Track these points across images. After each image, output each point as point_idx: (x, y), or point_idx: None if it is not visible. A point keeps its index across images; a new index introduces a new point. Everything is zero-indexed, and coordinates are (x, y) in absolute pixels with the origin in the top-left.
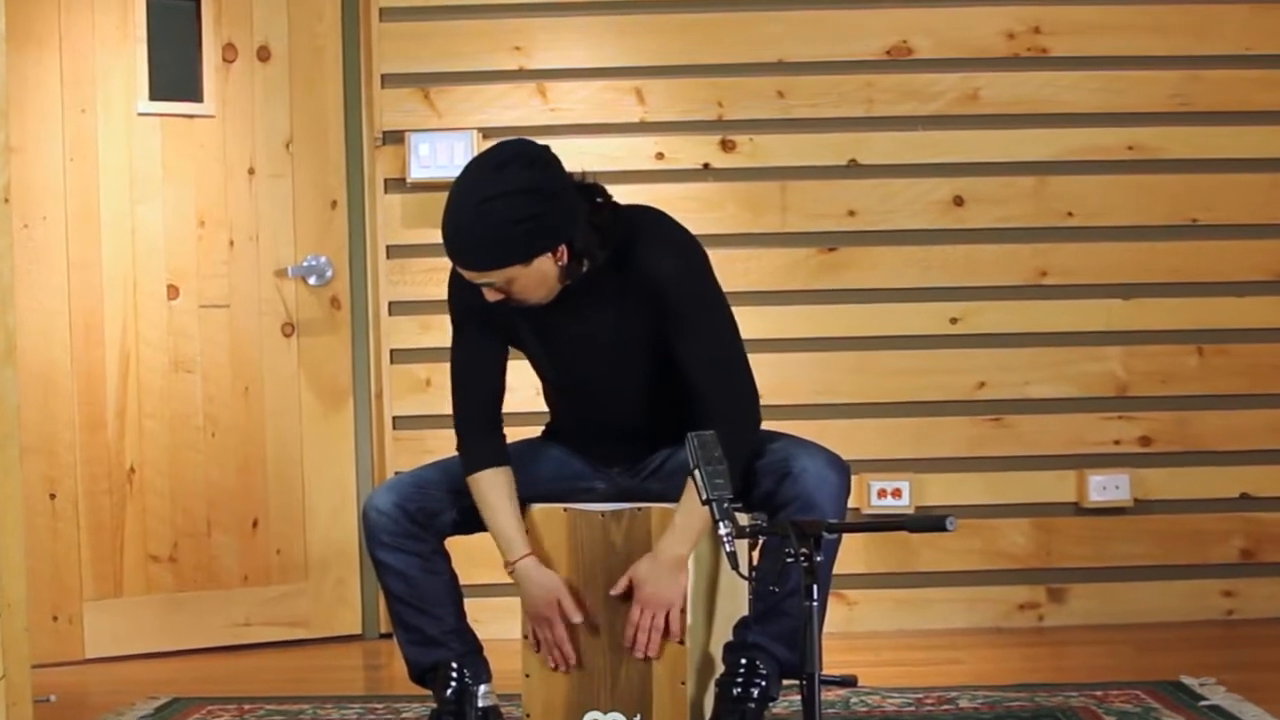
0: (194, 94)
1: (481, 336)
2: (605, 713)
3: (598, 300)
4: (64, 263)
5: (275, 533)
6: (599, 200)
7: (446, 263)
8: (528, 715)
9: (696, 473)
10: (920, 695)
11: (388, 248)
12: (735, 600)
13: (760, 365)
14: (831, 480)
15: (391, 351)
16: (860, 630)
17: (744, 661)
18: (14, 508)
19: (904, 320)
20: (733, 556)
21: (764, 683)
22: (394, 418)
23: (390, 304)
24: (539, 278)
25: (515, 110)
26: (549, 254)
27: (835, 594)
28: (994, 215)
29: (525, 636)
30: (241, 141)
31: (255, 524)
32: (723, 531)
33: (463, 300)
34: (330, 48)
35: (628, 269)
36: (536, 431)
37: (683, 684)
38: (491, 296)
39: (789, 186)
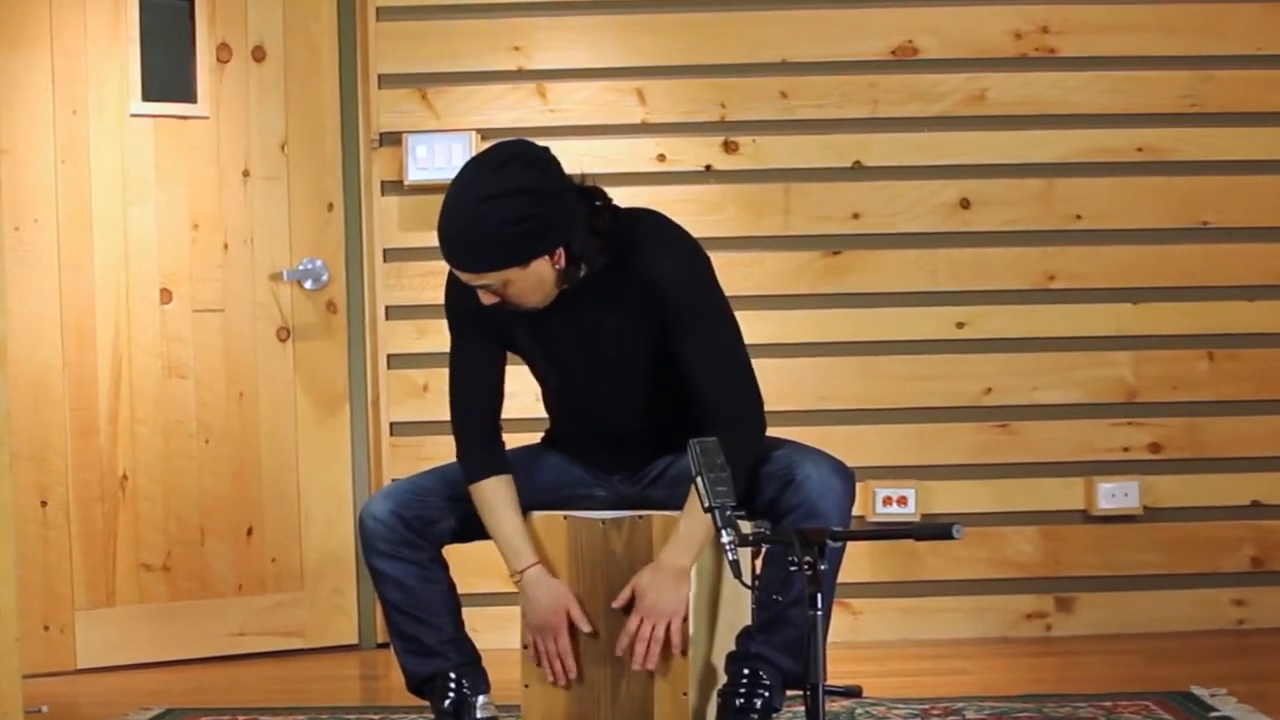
0: (188, 95)
1: (480, 343)
2: None
3: (598, 304)
4: (55, 266)
5: (270, 541)
6: (598, 203)
7: (444, 266)
8: None
9: (699, 480)
10: (926, 706)
11: (385, 251)
12: (738, 609)
13: (763, 370)
14: (836, 487)
15: (388, 356)
16: (865, 640)
17: (747, 672)
18: (4, 515)
19: (909, 325)
20: (735, 565)
21: (767, 693)
22: (391, 424)
23: (387, 308)
24: (535, 281)
25: (514, 111)
26: (546, 257)
27: (839, 603)
28: (1001, 218)
29: (525, 646)
30: (236, 143)
31: (250, 532)
32: (725, 539)
33: (460, 305)
34: (326, 48)
35: (628, 273)
36: (536, 438)
37: (685, 695)
38: (487, 300)
39: (792, 189)
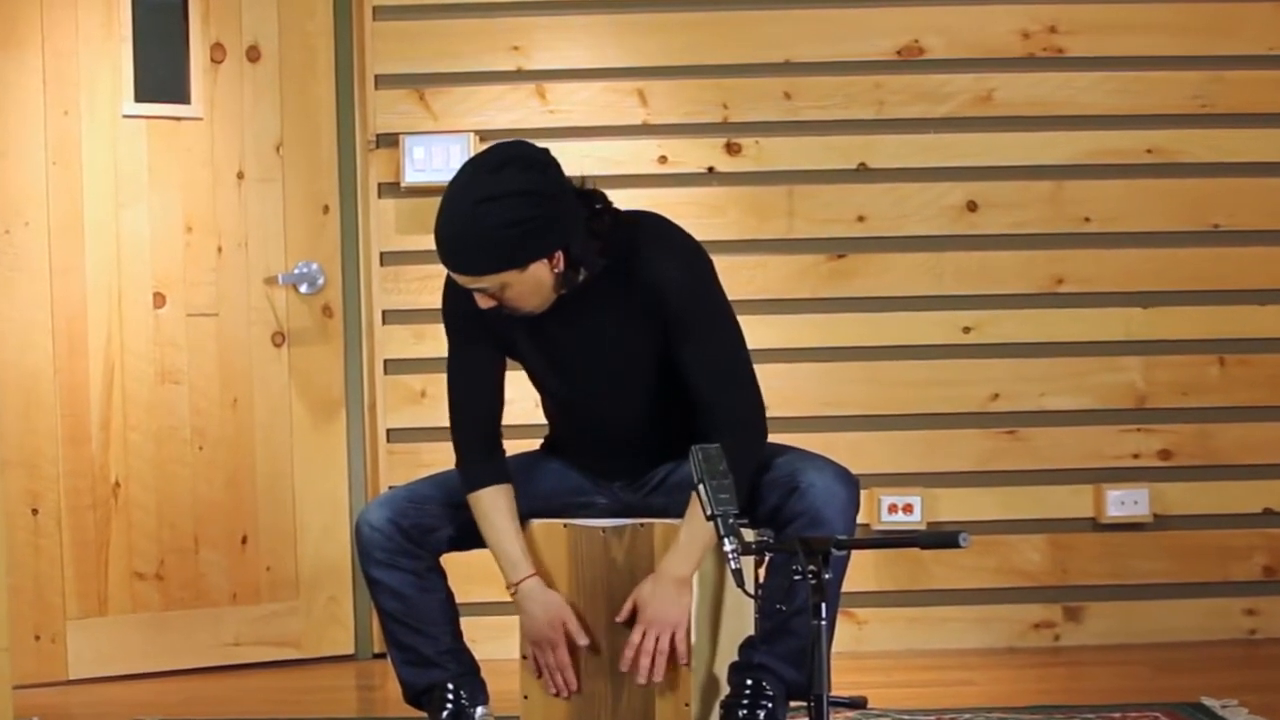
0: (181, 95)
1: (478, 349)
2: None
3: (599, 309)
4: (46, 270)
5: (265, 549)
6: (598, 206)
7: (442, 270)
8: None
9: (701, 487)
10: (931, 718)
11: (381, 254)
12: (741, 619)
13: (766, 376)
14: (840, 495)
15: (385, 362)
16: (870, 650)
17: (750, 682)
18: None
19: (915, 329)
20: (738, 574)
21: (770, 704)
22: (388, 430)
23: (384, 313)
24: (534, 285)
25: (513, 112)
26: (545, 260)
27: (844, 612)
28: (1009, 221)
29: (524, 657)
30: (230, 144)
31: (244, 540)
32: (728, 548)
33: (458, 310)
34: (322, 48)
35: (629, 277)
36: (535, 445)
37: (686, 706)
38: (484, 303)
39: (796, 191)
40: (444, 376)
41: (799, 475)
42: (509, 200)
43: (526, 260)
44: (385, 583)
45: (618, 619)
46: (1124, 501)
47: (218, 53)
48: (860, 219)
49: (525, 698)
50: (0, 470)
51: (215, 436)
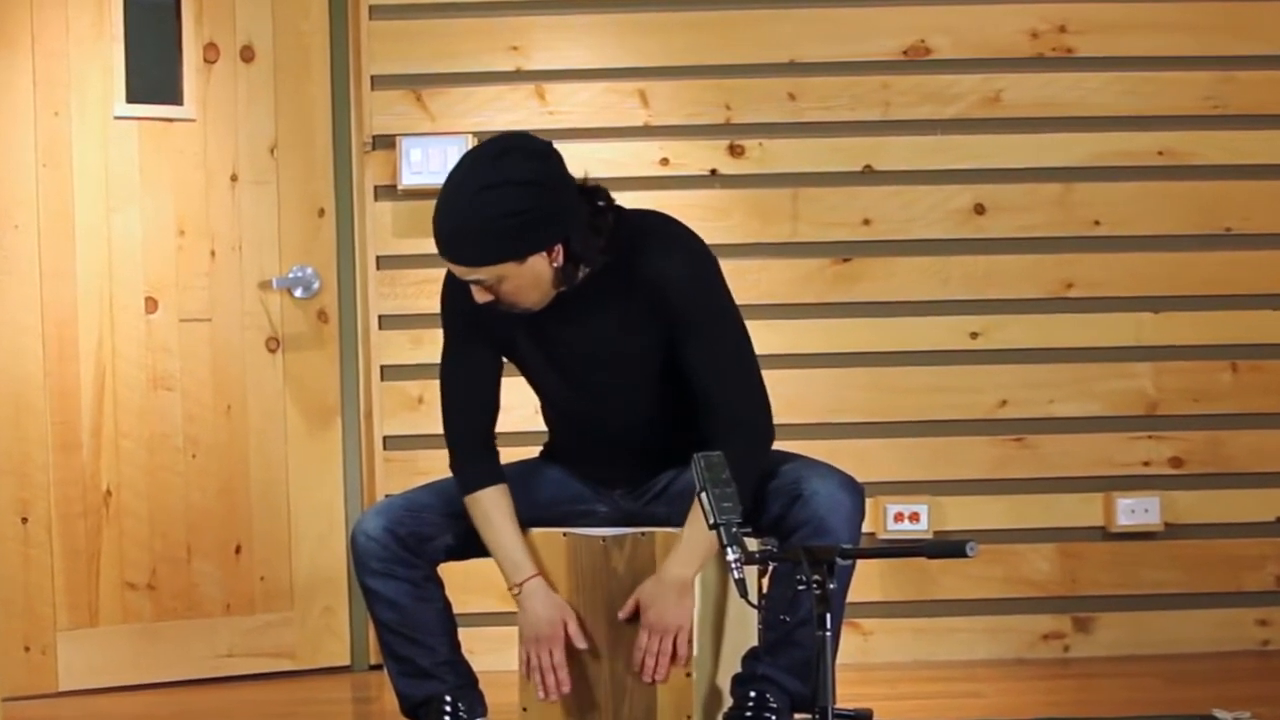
0: (173, 96)
1: (476, 348)
2: None
3: (602, 307)
4: (36, 274)
5: (259, 559)
6: (601, 204)
7: (440, 274)
8: None
9: (703, 495)
10: None
11: (378, 258)
12: (744, 630)
13: (771, 382)
14: (845, 503)
15: (382, 368)
16: (876, 661)
17: (753, 694)
18: None
19: (922, 335)
20: (741, 584)
21: (774, 717)
22: (384, 437)
23: (380, 318)
24: (532, 279)
25: (512, 113)
26: (544, 253)
27: (849, 623)
28: (1017, 224)
29: (524, 709)
30: (223, 146)
31: (238, 550)
32: (731, 557)
33: (457, 307)
34: (317, 47)
35: (634, 274)
36: (534, 452)
37: (689, 718)
38: (480, 298)
39: (801, 194)
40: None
41: (803, 483)
42: (508, 189)
43: (525, 252)
44: (381, 593)
45: (620, 615)
46: (1134, 510)
47: (211, 53)
48: (866, 222)
49: (525, 710)
50: None
51: (208, 444)
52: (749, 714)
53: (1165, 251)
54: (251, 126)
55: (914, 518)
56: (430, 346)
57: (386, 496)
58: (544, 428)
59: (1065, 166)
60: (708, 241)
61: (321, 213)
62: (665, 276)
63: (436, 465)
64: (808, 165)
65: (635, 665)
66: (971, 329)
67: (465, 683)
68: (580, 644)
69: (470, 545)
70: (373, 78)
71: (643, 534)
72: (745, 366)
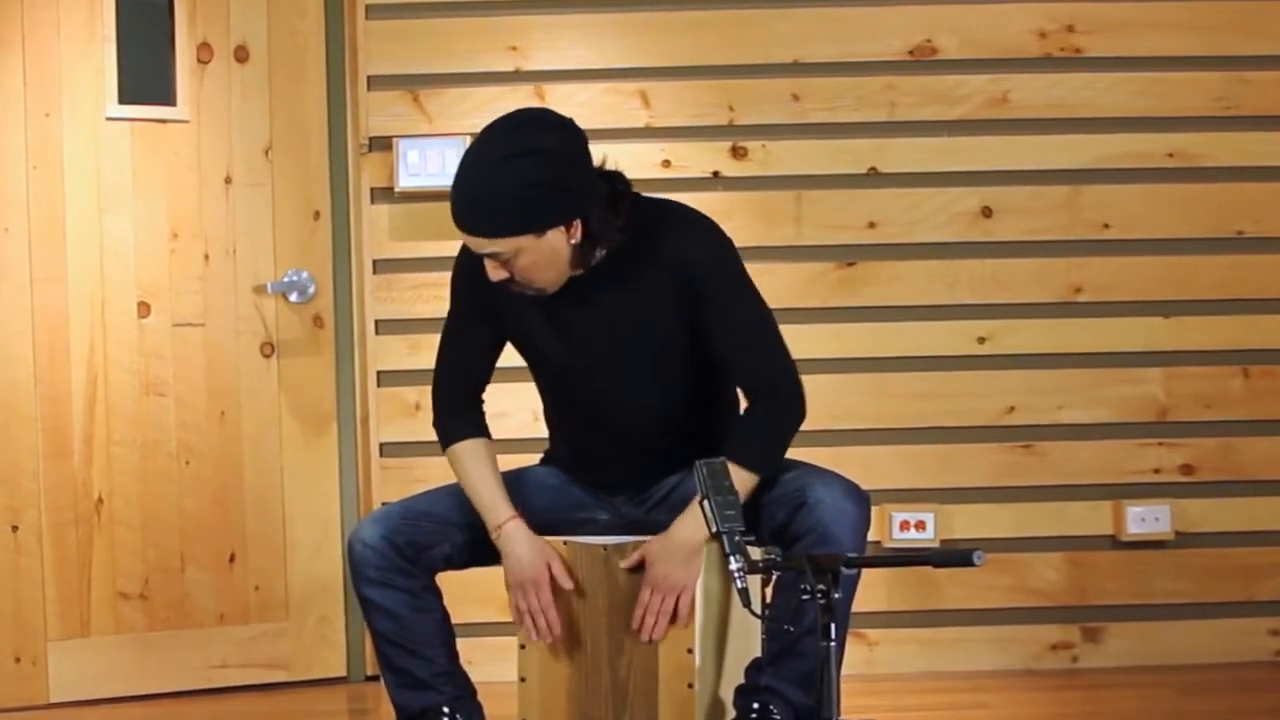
0: (166, 97)
1: (479, 325)
2: None
3: (618, 287)
4: (27, 278)
5: (254, 568)
6: (619, 187)
7: (438, 278)
8: None
9: (705, 503)
10: None
11: (374, 262)
12: (748, 640)
13: None
14: (849, 511)
15: (378, 373)
16: (881, 672)
17: (756, 706)
18: None
19: (928, 340)
20: (745, 593)
21: None
22: (381, 444)
23: (377, 322)
24: (549, 255)
25: None
26: (562, 227)
27: (854, 633)
28: (1024, 227)
29: (521, 646)
30: (217, 148)
31: (232, 558)
32: (734, 566)
33: (467, 286)
34: (313, 47)
35: (654, 255)
36: (533, 459)
37: None
38: (495, 274)
39: (804, 196)
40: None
41: (807, 490)
42: (531, 160)
43: (543, 225)
44: (379, 603)
45: (623, 564)
46: (1144, 518)
47: (204, 53)
48: (871, 225)
49: (523, 680)
50: None
51: (202, 451)
52: None
53: (1176, 255)
54: (246, 128)
55: (920, 526)
56: (427, 352)
57: (383, 505)
58: (544, 435)
59: (1074, 168)
60: None
61: (317, 215)
62: (689, 256)
63: (434, 473)
64: (812, 167)
65: (635, 623)
66: (978, 334)
67: (463, 694)
68: (565, 583)
69: (468, 554)
70: (369, 78)
71: (644, 542)
72: (771, 334)
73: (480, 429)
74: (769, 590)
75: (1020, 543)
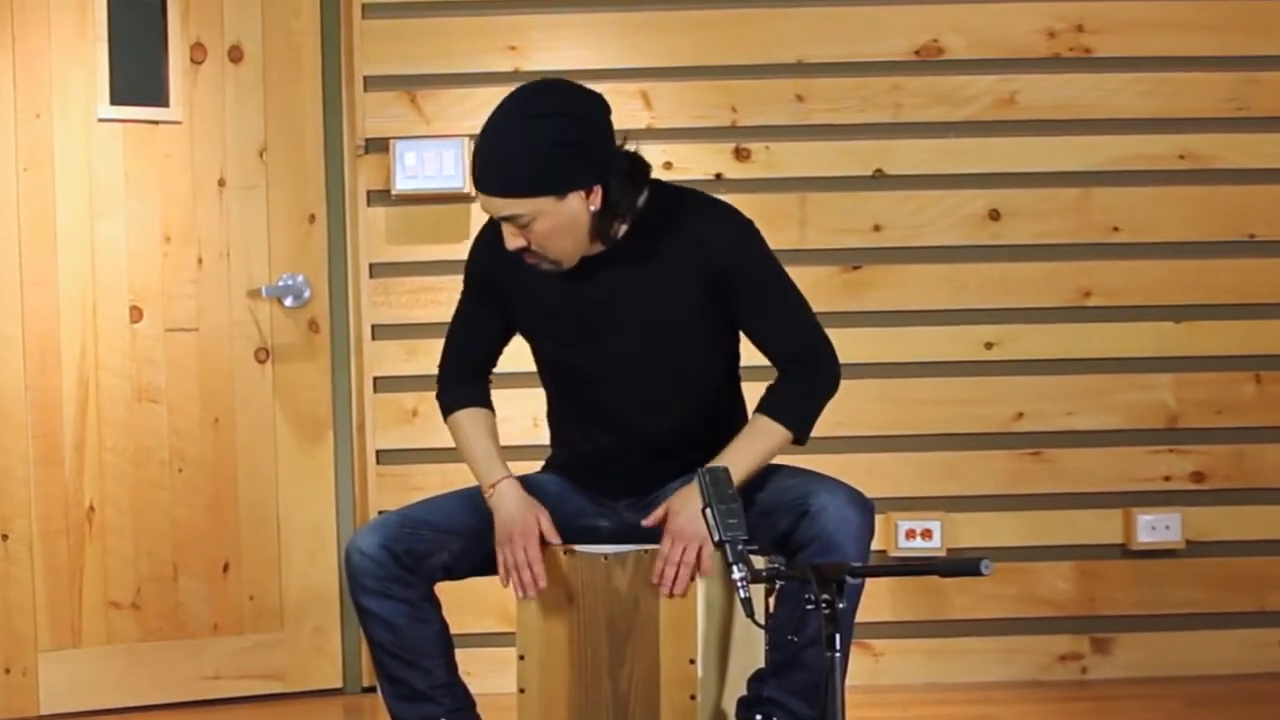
0: (159, 98)
1: (487, 309)
2: None
3: (637, 267)
4: (17, 282)
5: (248, 577)
6: (639, 165)
7: (435, 282)
8: None
9: (708, 511)
10: None
11: (371, 266)
12: (750, 651)
13: None
14: (853, 519)
15: (375, 379)
16: (887, 683)
17: (759, 718)
18: None
19: (934, 345)
20: (747, 603)
21: None
22: (377, 452)
23: (373, 327)
24: (568, 221)
25: None
26: (583, 192)
27: (859, 644)
28: (1033, 230)
29: (520, 657)
30: (211, 150)
31: (226, 568)
32: (737, 576)
33: (480, 272)
34: (308, 47)
35: (677, 237)
36: (533, 466)
37: None
38: (512, 242)
39: (809, 199)
40: (436, 395)
41: (810, 499)
42: (557, 120)
43: (565, 187)
44: (377, 612)
45: (645, 522)
46: (1155, 526)
47: (198, 53)
48: (876, 228)
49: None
50: None
51: (195, 458)
52: None
53: (1187, 258)
54: (240, 129)
55: (926, 535)
56: (424, 357)
57: (380, 513)
58: (543, 441)
59: (1083, 170)
60: None
61: (312, 219)
62: (717, 236)
63: (431, 481)
64: (816, 169)
65: (655, 577)
66: (986, 339)
67: (462, 706)
68: (553, 538)
69: (467, 563)
70: (365, 79)
71: (646, 551)
72: (805, 306)
73: (481, 401)
74: (772, 600)
75: (1028, 551)
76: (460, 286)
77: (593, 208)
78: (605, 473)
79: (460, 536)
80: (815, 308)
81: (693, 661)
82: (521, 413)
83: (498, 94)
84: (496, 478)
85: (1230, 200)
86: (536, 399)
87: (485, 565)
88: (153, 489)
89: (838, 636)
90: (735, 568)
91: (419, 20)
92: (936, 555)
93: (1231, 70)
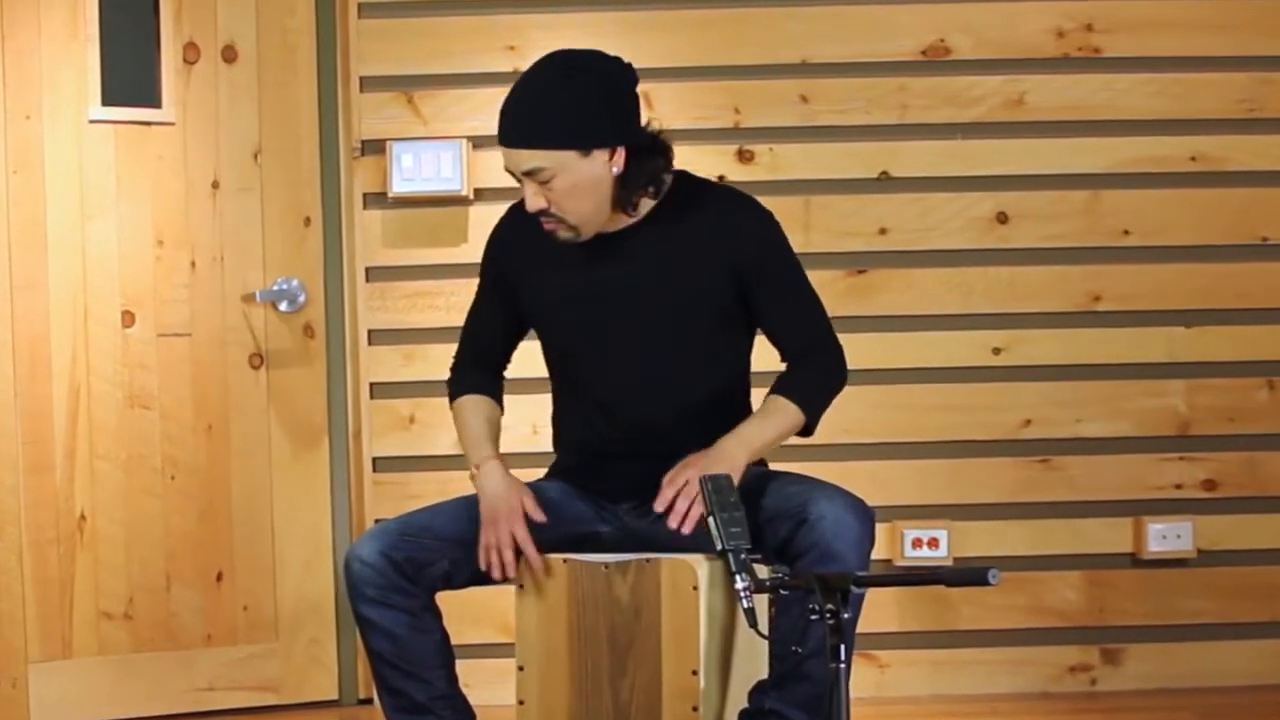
0: (151, 99)
1: (499, 305)
2: None
3: (656, 247)
4: (7, 286)
5: (242, 587)
6: (663, 140)
7: (433, 287)
8: None
9: (711, 520)
10: None
11: (367, 270)
12: (753, 662)
13: None
14: (852, 527)
15: (371, 385)
16: (892, 695)
17: None
18: None
19: (941, 350)
20: (750, 613)
21: None
22: (374, 459)
23: (370, 332)
24: (590, 181)
25: None
26: (607, 153)
27: (865, 655)
28: (1041, 234)
29: (520, 668)
30: (204, 151)
31: (219, 577)
32: (740, 585)
33: (496, 265)
34: (303, 47)
35: (698, 221)
36: (537, 474)
37: None
38: (533, 202)
39: (813, 202)
40: (433, 401)
41: (809, 506)
42: (590, 76)
43: (590, 142)
44: (378, 622)
45: (657, 505)
46: (1166, 535)
47: (191, 53)
48: (882, 231)
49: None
50: None
51: (188, 465)
52: None
53: (1198, 262)
54: (234, 130)
55: (933, 543)
56: (422, 363)
57: (378, 521)
58: (543, 449)
59: (1092, 173)
60: None
61: (308, 222)
62: (739, 223)
63: (429, 488)
64: (821, 171)
65: (661, 505)
66: (994, 344)
67: (462, 718)
68: (538, 517)
69: (469, 572)
70: (362, 79)
71: (647, 560)
72: (817, 303)
73: (487, 389)
74: (773, 610)
75: (1037, 561)
76: (459, 287)
77: (615, 169)
78: (606, 475)
79: (460, 545)
80: None
81: (695, 672)
82: (521, 420)
83: (497, 94)
84: (480, 457)
85: (1242, 203)
86: (536, 406)
87: (486, 575)
88: (145, 497)
89: (843, 648)
90: (739, 577)
91: (416, 20)
92: (943, 564)
93: (1244, 70)
